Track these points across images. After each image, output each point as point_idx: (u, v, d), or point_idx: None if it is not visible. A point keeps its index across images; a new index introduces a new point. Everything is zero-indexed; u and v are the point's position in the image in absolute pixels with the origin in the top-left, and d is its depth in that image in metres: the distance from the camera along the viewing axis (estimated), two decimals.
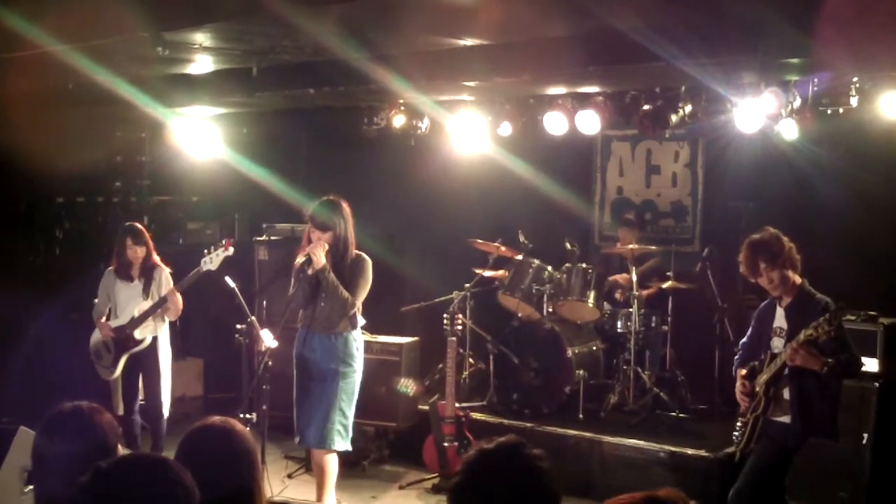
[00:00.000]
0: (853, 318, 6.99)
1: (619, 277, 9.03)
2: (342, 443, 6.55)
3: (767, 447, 5.79)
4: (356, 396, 6.64)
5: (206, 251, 7.42)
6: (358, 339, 6.63)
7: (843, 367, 5.55)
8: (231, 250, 7.38)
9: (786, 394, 5.72)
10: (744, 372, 5.95)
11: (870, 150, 8.02)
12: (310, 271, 6.37)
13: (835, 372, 5.51)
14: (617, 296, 9.01)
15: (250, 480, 3.29)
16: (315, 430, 6.50)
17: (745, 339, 6.19)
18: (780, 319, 5.84)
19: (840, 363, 5.50)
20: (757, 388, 5.80)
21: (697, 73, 6.71)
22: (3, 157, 8.58)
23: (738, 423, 5.95)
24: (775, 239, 5.75)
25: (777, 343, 5.80)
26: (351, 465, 6.85)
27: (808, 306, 5.68)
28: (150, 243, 7.76)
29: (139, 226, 7.86)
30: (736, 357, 6.21)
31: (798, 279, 5.79)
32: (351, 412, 6.59)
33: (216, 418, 3.38)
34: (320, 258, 6.31)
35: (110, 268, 7.78)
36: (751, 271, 5.81)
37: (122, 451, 3.66)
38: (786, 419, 5.73)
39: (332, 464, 6.66)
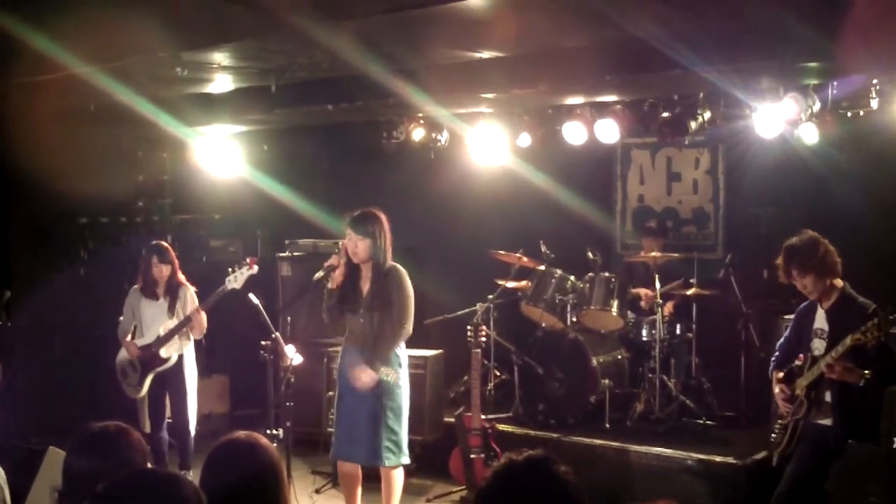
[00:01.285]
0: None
1: (641, 292, 8.97)
2: (394, 459, 6.51)
3: (808, 450, 5.75)
4: (406, 412, 6.58)
5: (230, 269, 7.46)
6: (401, 355, 6.58)
7: (882, 379, 5.51)
8: (255, 269, 7.42)
9: (827, 396, 5.68)
10: (781, 375, 5.91)
11: (890, 153, 7.98)
12: (334, 276, 6.38)
13: (873, 383, 5.46)
14: (642, 304, 8.97)
15: (276, 494, 3.30)
16: (362, 448, 6.48)
17: (781, 340, 6.14)
18: (820, 321, 5.79)
19: (880, 375, 5.45)
20: (798, 392, 5.76)
21: (716, 80, 6.71)
22: (27, 177, 8.66)
23: (777, 426, 5.91)
24: (809, 244, 5.71)
25: (818, 344, 5.74)
26: (377, 479, 6.86)
27: (850, 309, 5.63)
28: (176, 262, 7.81)
29: (165, 244, 7.92)
30: (772, 358, 6.17)
31: (839, 282, 5.74)
32: (401, 427, 6.53)
33: (241, 433, 3.40)
34: (368, 384, 6.38)
35: (136, 286, 7.83)
36: (786, 275, 5.80)
37: None
38: (827, 422, 5.69)
39: (396, 478, 6.64)
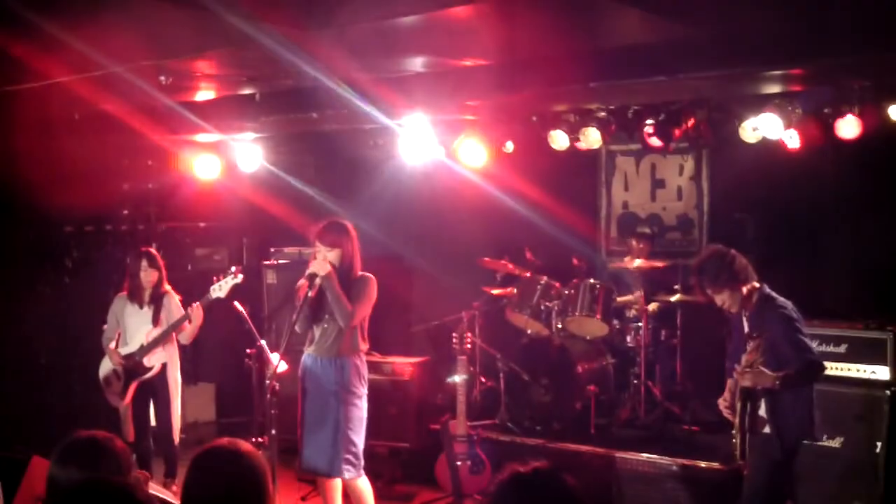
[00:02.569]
0: (862, 326, 7.00)
1: (630, 300, 8.97)
2: (352, 471, 6.47)
3: (757, 460, 5.72)
4: (364, 423, 6.57)
5: (215, 278, 7.44)
6: (360, 365, 6.56)
7: (798, 375, 5.49)
8: (240, 277, 7.40)
9: (762, 406, 5.66)
10: (731, 383, 5.88)
11: (875, 158, 8.01)
12: (316, 282, 6.34)
13: (789, 383, 5.45)
14: (631, 313, 8.95)
15: (261, 501, 3.30)
16: (324, 458, 6.46)
17: (729, 349, 6.14)
18: (748, 327, 5.80)
19: (797, 372, 5.45)
20: (737, 402, 5.74)
21: (700, 87, 6.74)
22: (11, 187, 8.63)
23: (732, 437, 5.90)
24: (715, 259, 5.70)
25: None
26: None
27: (765, 312, 5.63)
28: (163, 270, 7.80)
29: (154, 251, 7.92)
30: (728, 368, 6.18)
31: (754, 286, 5.71)
32: (359, 439, 6.50)
33: (224, 440, 3.40)
34: (325, 266, 6.30)
35: (121, 293, 7.83)
36: (703, 295, 5.78)
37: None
38: (767, 430, 5.68)
39: (364, 489, 6.60)
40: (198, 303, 7.49)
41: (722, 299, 5.70)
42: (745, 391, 5.60)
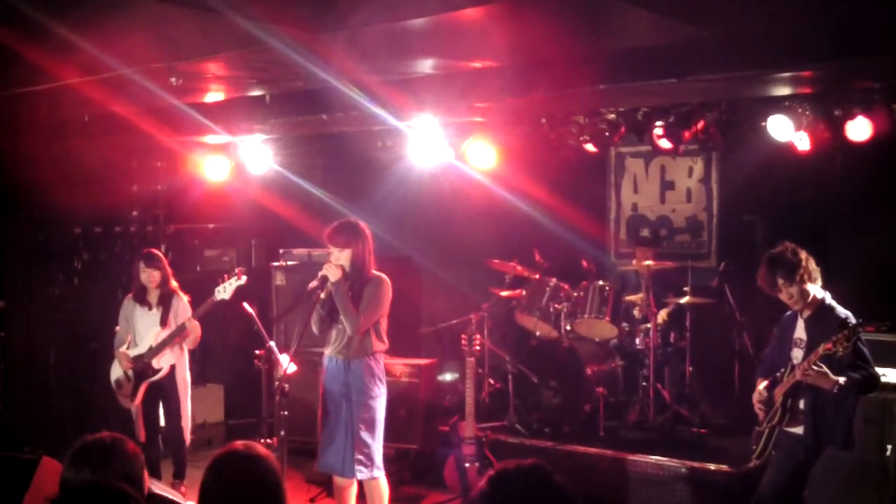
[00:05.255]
0: (873, 329, 7.00)
1: (634, 298, 8.97)
2: (365, 472, 6.47)
3: (782, 458, 5.82)
4: (380, 424, 6.56)
5: (219, 280, 7.45)
6: (374, 366, 6.56)
7: (857, 386, 5.55)
8: (244, 279, 7.40)
9: (802, 405, 5.72)
10: (765, 383, 5.95)
11: (885, 161, 7.99)
12: (328, 286, 6.35)
13: (846, 390, 5.51)
14: (635, 312, 8.96)
15: (276, 503, 3.31)
16: (338, 458, 6.48)
17: (767, 349, 6.19)
18: (800, 331, 5.85)
19: (854, 382, 5.51)
20: (775, 399, 5.80)
21: (709, 89, 6.72)
22: (21, 188, 8.67)
23: (755, 432, 5.96)
24: (792, 253, 5.74)
25: (797, 354, 5.80)
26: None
27: (827, 319, 5.68)
28: (167, 269, 7.80)
29: (154, 251, 7.92)
30: (759, 368, 6.21)
31: (819, 292, 5.78)
32: (374, 440, 6.50)
33: (239, 443, 3.41)
34: (336, 272, 6.31)
35: (129, 295, 7.85)
36: (769, 287, 5.81)
37: (147, 479, 3.69)
38: (799, 430, 5.74)
39: (378, 490, 6.62)
40: (192, 315, 7.54)
41: (791, 293, 5.73)
42: (795, 386, 5.66)
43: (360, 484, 6.64)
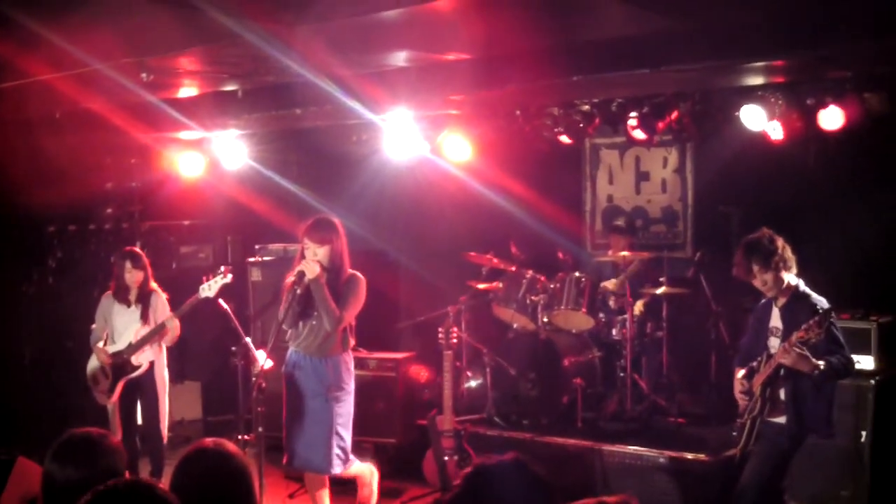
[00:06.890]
0: (847, 316, 7.04)
1: (608, 284, 8.99)
2: (341, 466, 6.52)
3: (766, 448, 5.83)
4: (351, 418, 6.62)
5: (204, 278, 7.41)
6: (349, 361, 6.61)
7: (835, 370, 5.58)
8: (229, 277, 7.37)
9: (782, 394, 5.75)
10: (742, 372, 5.98)
11: (858, 149, 8.03)
12: (305, 281, 6.32)
13: (826, 375, 5.54)
14: (611, 303, 8.99)
15: (247, 501, 3.29)
16: (314, 454, 6.47)
17: (744, 339, 6.22)
18: (775, 319, 5.88)
19: (832, 366, 5.54)
20: (754, 389, 5.83)
21: (683, 80, 6.74)
22: None
23: (737, 424, 5.98)
24: (768, 240, 5.76)
25: (774, 343, 5.83)
26: (351, 482, 6.86)
27: (802, 307, 5.70)
28: (149, 269, 7.77)
29: (138, 250, 7.88)
30: (736, 357, 6.24)
31: (793, 279, 5.81)
32: (348, 434, 6.56)
33: (208, 440, 3.40)
34: (314, 268, 6.30)
35: (108, 293, 7.80)
36: (745, 273, 5.83)
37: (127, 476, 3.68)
38: (782, 420, 5.77)
39: (361, 470, 6.69)
40: (174, 313, 7.50)
41: (765, 280, 5.76)
42: (774, 374, 5.68)
43: (330, 479, 6.66)
